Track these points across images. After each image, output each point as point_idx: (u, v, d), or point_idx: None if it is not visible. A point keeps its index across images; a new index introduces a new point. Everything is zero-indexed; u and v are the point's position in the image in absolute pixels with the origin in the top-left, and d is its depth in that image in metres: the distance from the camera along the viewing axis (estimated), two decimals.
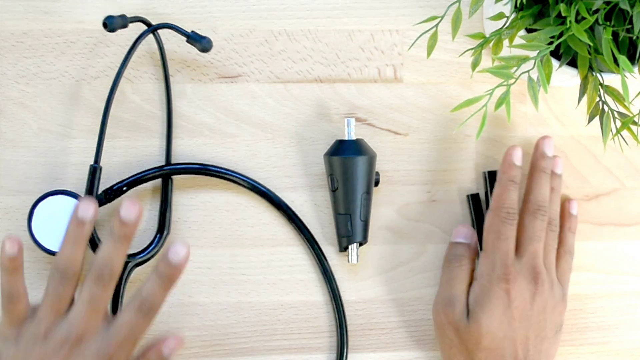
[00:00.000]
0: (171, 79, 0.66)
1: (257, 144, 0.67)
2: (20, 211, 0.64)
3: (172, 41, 0.66)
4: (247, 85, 0.67)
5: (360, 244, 0.65)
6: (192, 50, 0.66)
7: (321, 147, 0.67)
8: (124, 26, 0.61)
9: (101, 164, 0.62)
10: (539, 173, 0.64)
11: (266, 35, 0.67)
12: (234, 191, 0.66)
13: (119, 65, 0.66)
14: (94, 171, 0.62)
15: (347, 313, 0.66)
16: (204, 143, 0.66)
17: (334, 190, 0.64)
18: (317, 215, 0.66)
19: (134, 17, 0.63)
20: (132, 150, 0.65)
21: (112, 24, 0.59)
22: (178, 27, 0.63)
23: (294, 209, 0.66)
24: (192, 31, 0.63)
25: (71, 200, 0.62)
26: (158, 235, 0.64)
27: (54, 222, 0.62)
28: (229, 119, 0.66)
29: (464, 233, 0.65)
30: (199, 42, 0.62)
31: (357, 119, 0.67)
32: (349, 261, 0.65)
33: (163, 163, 0.66)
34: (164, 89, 0.65)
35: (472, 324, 0.60)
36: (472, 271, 0.64)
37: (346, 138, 0.64)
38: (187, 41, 0.63)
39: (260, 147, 0.67)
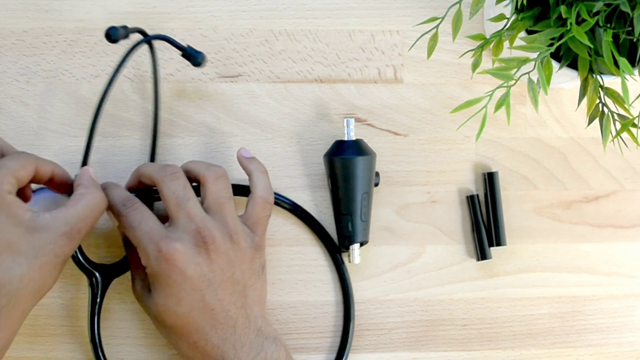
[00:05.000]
0: (171, 78, 0.66)
1: (257, 144, 0.67)
2: None
3: None
4: (247, 85, 0.67)
5: (362, 244, 0.65)
6: None
7: (321, 147, 0.67)
8: (126, 37, 0.60)
9: (101, 163, 0.62)
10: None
11: (266, 35, 0.67)
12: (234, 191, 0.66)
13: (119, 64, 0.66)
14: None
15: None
16: (204, 142, 0.66)
17: (334, 191, 0.64)
18: (317, 216, 0.66)
19: (134, 28, 0.61)
20: (132, 149, 0.65)
21: (114, 35, 0.58)
22: (174, 40, 0.62)
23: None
24: (188, 45, 0.62)
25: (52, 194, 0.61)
26: None
27: (50, 200, 0.60)
28: (229, 118, 0.66)
29: (111, 216, 0.60)
30: (194, 57, 0.62)
31: (357, 119, 0.67)
32: (350, 261, 0.65)
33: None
34: (153, 97, 0.65)
35: (152, 304, 0.58)
36: None
37: (346, 138, 0.64)
38: (182, 55, 0.62)
39: (260, 147, 0.67)
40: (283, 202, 0.66)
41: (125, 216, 0.57)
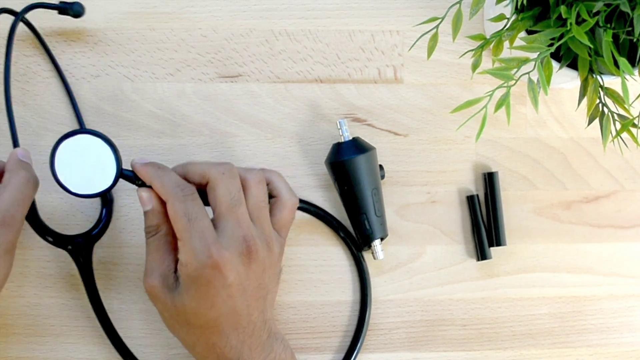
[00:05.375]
0: (171, 78, 0.66)
1: (257, 144, 0.67)
2: None
3: (173, 40, 0.66)
4: (247, 85, 0.67)
5: (382, 239, 0.65)
6: (192, 49, 0.66)
7: (321, 147, 0.67)
8: None
9: None
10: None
11: (267, 35, 0.67)
12: None
13: (119, 63, 0.66)
14: None
15: (344, 314, 0.66)
16: (204, 142, 0.66)
17: (343, 194, 0.64)
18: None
19: (1, 8, 0.62)
20: (131, 149, 0.65)
21: None
22: (44, 3, 0.61)
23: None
24: (60, 2, 0.61)
25: (96, 140, 0.57)
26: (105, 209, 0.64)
27: (79, 162, 0.57)
28: (229, 118, 0.66)
29: (146, 199, 0.57)
30: (70, 8, 0.61)
31: (357, 120, 0.67)
32: (374, 258, 0.65)
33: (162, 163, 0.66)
34: (56, 73, 0.65)
35: (178, 303, 0.55)
36: (171, 231, 0.57)
37: (342, 140, 0.64)
38: (59, 13, 0.62)
39: (260, 147, 0.67)
40: (305, 205, 0.66)
41: (182, 203, 0.55)
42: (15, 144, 0.60)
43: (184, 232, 0.55)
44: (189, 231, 0.54)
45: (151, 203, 0.57)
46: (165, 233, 0.57)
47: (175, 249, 0.57)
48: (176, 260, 0.56)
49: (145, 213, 0.57)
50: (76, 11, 0.61)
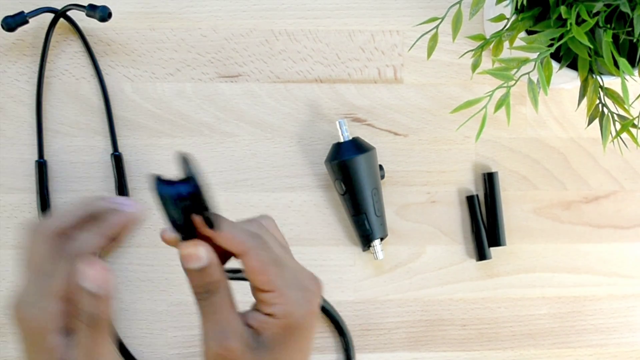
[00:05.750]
0: (171, 78, 0.66)
1: (257, 143, 0.67)
2: (19, 209, 0.64)
3: (173, 40, 0.66)
4: (247, 85, 0.67)
5: (382, 239, 0.65)
6: (192, 49, 0.66)
7: (321, 147, 0.67)
8: (24, 22, 0.63)
9: (102, 163, 0.62)
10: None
11: (267, 35, 0.67)
12: (234, 191, 0.66)
13: (119, 63, 0.66)
14: (41, 166, 0.63)
15: (345, 314, 0.66)
16: (204, 142, 0.66)
17: (343, 194, 0.64)
18: (318, 216, 0.66)
19: (38, 9, 0.63)
20: (131, 149, 0.66)
21: (8, 24, 0.62)
22: (77, 4, 0.63)
23: (292, 208, 0.66)
24: (89, 4, 0.63)
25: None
26: None
27: None
28: (229, 118, 0.66)
29: (203, 253, 0.45)
30: (95, 12, 0.62)
31: (357, 120, 0.67)
32: (375, 258, 0.65)
33: (162, 163, 0.66)
34: (94, 72, 0.65)
35: None
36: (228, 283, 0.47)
37: (342, 140, 0.64)
38: (86, 14, 0.63)
39: (260, 147, 0.67)
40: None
41: (266, 252, 0.46)
42: (41, 146, 0.62)
43: (279, 281, 0.46)
44: (284, 279, 0.46)
45: (209, 257, 0.46)
46: (227, 286, 0.47)
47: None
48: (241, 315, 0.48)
49: (199, 270, 0.46)
50: (100, 15, 0.62)
